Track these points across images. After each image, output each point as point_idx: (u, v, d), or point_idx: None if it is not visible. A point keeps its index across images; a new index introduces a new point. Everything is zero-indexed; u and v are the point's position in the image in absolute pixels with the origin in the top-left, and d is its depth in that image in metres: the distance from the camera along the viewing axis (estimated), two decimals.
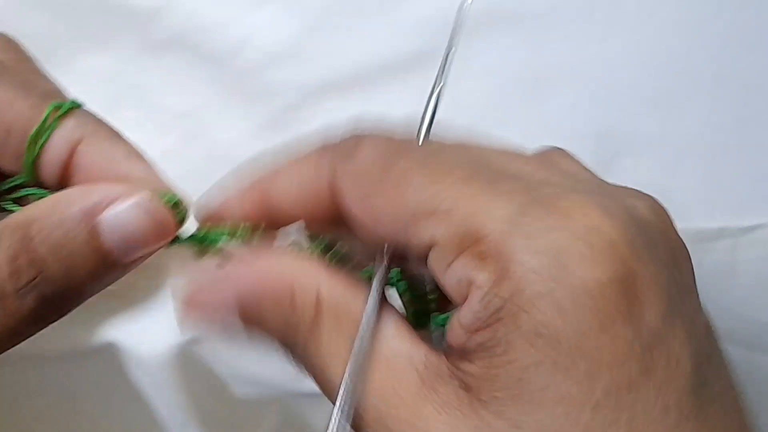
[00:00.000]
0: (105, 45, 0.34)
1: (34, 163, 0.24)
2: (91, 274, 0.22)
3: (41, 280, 0.21)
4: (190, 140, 0.34)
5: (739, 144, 0.35)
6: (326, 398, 0.21)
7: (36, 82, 0.25)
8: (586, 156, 0.24)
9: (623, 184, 0.22)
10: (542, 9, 0.36)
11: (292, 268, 0.21)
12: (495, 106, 0.35)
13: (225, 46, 0.34)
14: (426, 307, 0.24)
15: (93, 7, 0.34)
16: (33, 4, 0.33)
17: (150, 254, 0.23)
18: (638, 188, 0.21)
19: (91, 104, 0.25)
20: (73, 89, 0.26)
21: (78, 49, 0.34)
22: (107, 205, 0.22)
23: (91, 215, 0.22)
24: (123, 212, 0.22)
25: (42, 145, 0.23)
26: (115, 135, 0.25)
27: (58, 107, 0.23)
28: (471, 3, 0.27)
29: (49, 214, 0.22)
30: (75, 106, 0.24)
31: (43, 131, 0.23)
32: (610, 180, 0.22)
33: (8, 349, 0.22)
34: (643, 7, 0.36)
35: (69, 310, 0.23)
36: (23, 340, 0.22)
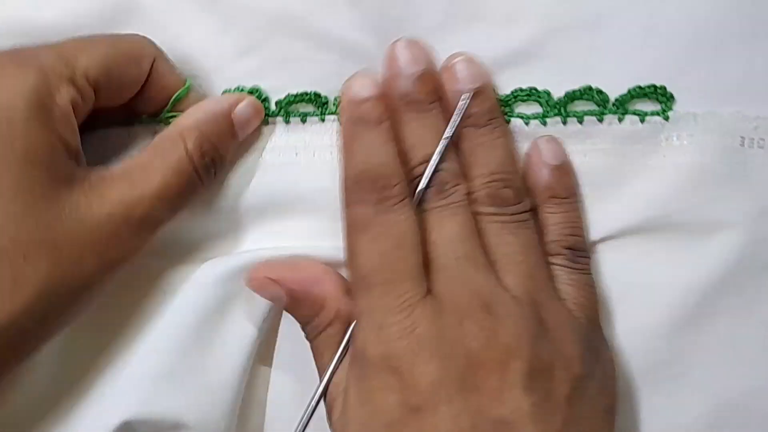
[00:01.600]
0: None
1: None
2: (228, 146, 0.37)
3: (214, 154, 0.36)
4: None
5: None
6: None
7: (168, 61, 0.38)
8: None
9: None
10: None
11: (328, 287, 0.36)
12: None
13: None
14: None
15: None
16: None
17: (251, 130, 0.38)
18: None
19: None
20: None
21: None
22: (235, 106, 0.37)
23: (229, 115, 0.37)
24: (243, 108, 0.38)
25: (175, 102, 0.38)
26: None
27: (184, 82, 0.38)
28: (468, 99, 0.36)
29: (206, 119, 0.36)
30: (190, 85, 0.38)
31: (181, 95, 0.38)
32: None
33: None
34: None
35: (220, 169, 0.37)
36: (199, 191, 0.36)
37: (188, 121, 0.36)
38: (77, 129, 0.34)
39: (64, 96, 0.32)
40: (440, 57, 0.37)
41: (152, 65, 0.36)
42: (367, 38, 0.39)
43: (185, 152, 0.35)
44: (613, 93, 0.38)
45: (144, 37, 0.37)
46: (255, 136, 0.39)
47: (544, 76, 0.38)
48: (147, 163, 0.34)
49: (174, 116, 0.38)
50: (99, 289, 0.33)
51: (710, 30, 0.37)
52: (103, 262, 0.33)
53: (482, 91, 0.36)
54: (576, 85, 0.38)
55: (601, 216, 0.38)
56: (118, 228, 0.33)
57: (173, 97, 0.38)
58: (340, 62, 0.39)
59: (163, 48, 0.38)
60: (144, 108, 0.38)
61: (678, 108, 0.37)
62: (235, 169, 0.39)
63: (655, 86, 0.37)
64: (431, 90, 0.36)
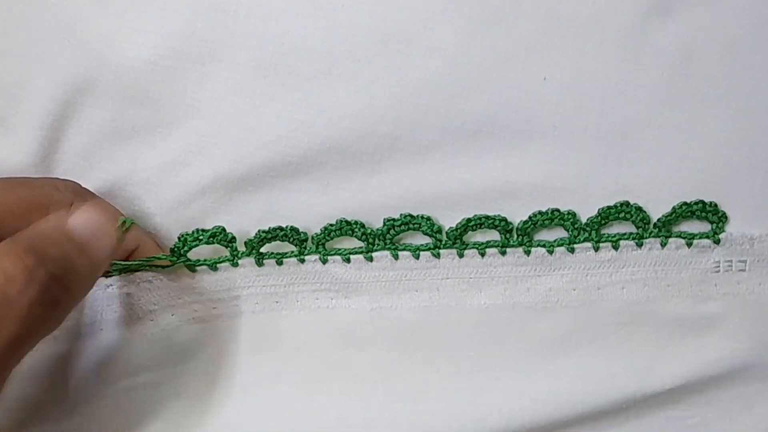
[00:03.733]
0: None
1: None
2: (77, 269, 0.27)
3: (48, 280, 0.26)
4: None
5: None
6: None
7: (104, 202, 0.31)
8: None
9: None
10: None
11: None
12: None
13: None
14: None
15: None
16: None
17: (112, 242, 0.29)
18: None
19: None
20: None
21: None
22: (72, 213, 0.29)
23: (62, 223, 0.28)
24: (84, 213, 0.29)
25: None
26: (158, 246, 0.32)
27: (123, 222, 0.30)
28: None
29: (32, 230, 0.27)
30: (132, 222, 0.30)
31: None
32: None
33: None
34: None
35: (68, 309, 0.27)
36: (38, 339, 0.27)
37: (13, 239, 0.27)
38: None
39: None
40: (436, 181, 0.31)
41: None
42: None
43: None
44: (652, 212, 0.32)
45: (63, 182, 0.31)
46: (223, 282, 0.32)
47: (562, 201, 0.32)
48: None
49: (126, 266, 0.31)
50: None
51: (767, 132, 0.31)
52: None
53: None
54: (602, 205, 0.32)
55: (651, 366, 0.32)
56: None
57: None
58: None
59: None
60: None
61: (731, 229, 0.31)
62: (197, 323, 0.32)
63: (704, 203, 0.31)
64: None
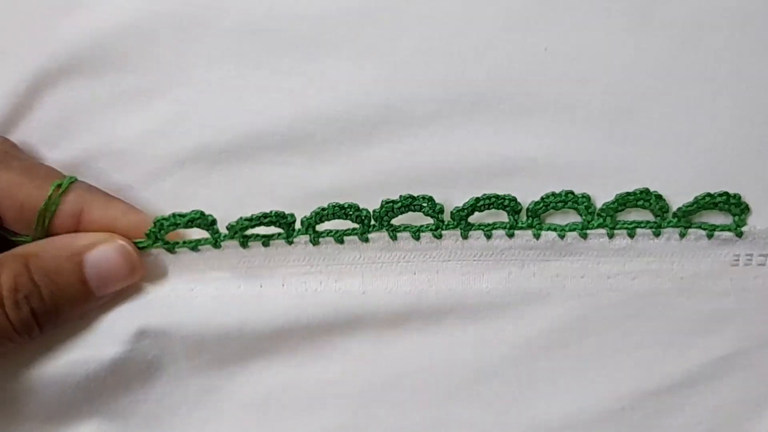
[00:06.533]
0: None
1: (46, 232, 0.28)
2: (72, 301, 0.27)
3: (33, 298, 0.27)
4: None
5: None
6: None
7: (35, 165, 0.29)
8: None
9: None
10: None
11: None
12: None
13: None
14: None
15: None
16: None
17: (119, 288, 0.29)
18: None
19: None
20: None
21: None
22: (92, 248, 0.28)
23: (78, 254, 0.28)
24: (103, 253, 0.28)
25: (50, 219, 0.28)
26: (109, 197, 0.29)
27: (59, 185, 0.28)
28: None
29: (45, 250, 0.27)
30: (72, 181, 0.28)
31: (49, 207, 0.28)
32: None
33: None
34: None
35: (50, 328, 0.28)
36: (9, 346, 0.27)
37: (22, 249, 0.28)
38: None
39: None
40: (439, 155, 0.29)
41: None
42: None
43: None
44: (672, 201, 0.29)
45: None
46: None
47: (564, 179, 0.29)
48: None
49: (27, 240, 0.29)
50: None
51: None
52: None
53: None
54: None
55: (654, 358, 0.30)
56: None
57: (36, 215, 0.28)
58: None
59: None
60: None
61: (754, 222, 0.29)
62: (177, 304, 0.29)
63: (728, 194, 0.29)
64: None
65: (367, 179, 0.29)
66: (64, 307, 0.27)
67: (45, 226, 0.28)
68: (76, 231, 0.29)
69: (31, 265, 0.27)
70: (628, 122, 0.29)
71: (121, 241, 0.28)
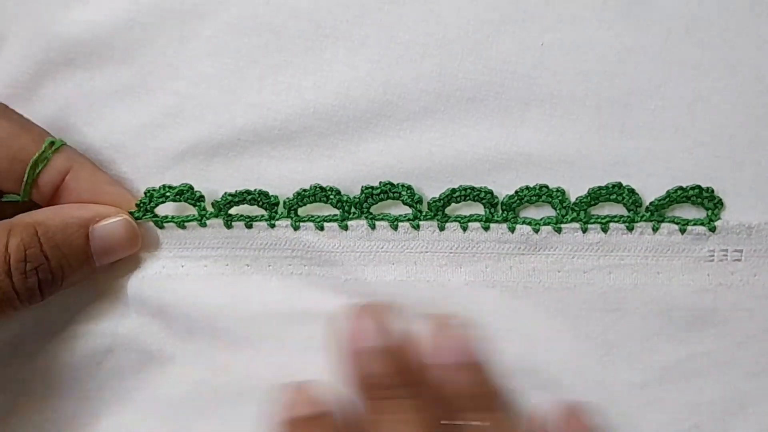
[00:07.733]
0: None
1: (32, 186, 0.29)
2: (74, 271, 0.29)
3: (42, 270, 0.28)
4: None
5: None
6: None
7: (32, 122, 0.30)
8: None
9: None
10: None
11: None
12: None
13: None
14: None
15: None
16: None
17: (118, 258, 0.30)
18: None
19: None
20: None
21: None
22: (99, 220, 0.29)
23: (85, 226, 0.29)
24: (110, 226, 0.29)
25: (39, 171, 0.29)
26: (95, 167, 0.30)
27: (52, 143, 0.29)
28: None
29: (54, 219, 0.28)
30: (63, 144, 0.29)
31: (41, 160, 0.29)
32: None
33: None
34: None
35: (51, 294, 0.29)
36: (13, 313, 0.28)
37: (30, 217, 0.28)
38: None
39: None
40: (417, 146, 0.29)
41: None
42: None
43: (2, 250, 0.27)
44: (647, 195, 0.30)
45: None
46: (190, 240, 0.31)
47: (559, 174, 0.30)
48: None
49: (15, 199, 0.29)
50: None
51: None
52: None
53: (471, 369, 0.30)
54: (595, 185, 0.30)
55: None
56: None
57: (28, 165, 0.29)
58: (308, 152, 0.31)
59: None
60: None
61: (727, 216, 0.30)
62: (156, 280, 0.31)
63: (700, 188, 0.29)
64: (398, 370, 0.29)
65: (364, 173, 0.30)
66: (67, 277, 0.29)
67: (34, 177, 0.29)
68: (59, 189, 0.29)
69: (41, 235, 0.28)
70: (623, 116, 0.29)
71: (126, 216, 0.30)
